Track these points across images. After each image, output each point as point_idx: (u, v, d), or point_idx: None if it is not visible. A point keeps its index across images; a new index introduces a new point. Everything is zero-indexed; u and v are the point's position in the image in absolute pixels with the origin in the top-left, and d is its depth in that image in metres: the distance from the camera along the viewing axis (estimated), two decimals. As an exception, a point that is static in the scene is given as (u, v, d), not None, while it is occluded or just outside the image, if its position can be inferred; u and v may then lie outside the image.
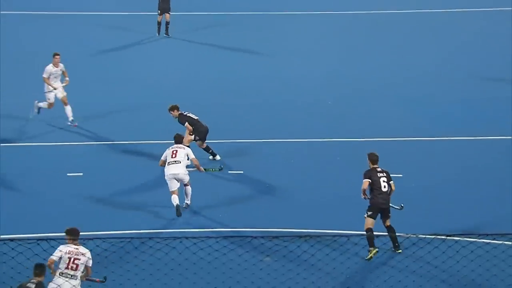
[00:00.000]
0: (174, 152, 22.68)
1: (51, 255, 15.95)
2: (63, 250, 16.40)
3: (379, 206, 19.52)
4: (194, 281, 17.94)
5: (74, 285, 16.09)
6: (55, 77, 26.95)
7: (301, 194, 23.82)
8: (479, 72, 34.32)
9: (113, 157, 26.90)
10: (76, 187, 23.97)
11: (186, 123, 24.96)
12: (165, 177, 22.45)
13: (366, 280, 19.55)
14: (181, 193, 22.74)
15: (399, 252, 19.82)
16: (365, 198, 19.53)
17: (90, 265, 16.38)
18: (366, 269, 19.85)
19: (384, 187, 19.73)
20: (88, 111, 28.95)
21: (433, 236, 19.22)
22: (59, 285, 16.15)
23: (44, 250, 16.48)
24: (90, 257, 16.36)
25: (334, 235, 19.46)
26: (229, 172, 25.17)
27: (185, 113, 25.34)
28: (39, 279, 16.50)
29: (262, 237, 19.40)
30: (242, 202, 23.62)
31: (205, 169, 23.23)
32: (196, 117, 25.43)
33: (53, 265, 16.35)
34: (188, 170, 22.66)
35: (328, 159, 26.30)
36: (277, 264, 18.83)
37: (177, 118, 25.21)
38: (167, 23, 36.68)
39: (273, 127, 29.24)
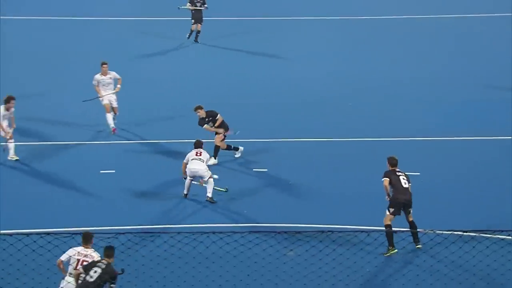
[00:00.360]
0: (199, 152, 23.49)
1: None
2: (70, 254, 16.85)
3: (401, 201, 19.91)
4: (221, 274, 18.32)
5: None
6: (104, 85, 27.57)
7: (323, 191, 24.15)
8: (481, 74, 34.62)
9: (143, 155, 27.29)
10: (108, 183, 24.43)
11: (219, 115, 25.58)
12: (187, 173, 23.19)
13: (385, 274, 19.80)
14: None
15: (419, 247, 20.21)
16: (388, 196, 19.90)
17: None
18: (385, 263, 20.14)
19: (405, 183, 20.11)
20: (122, 111, 29.12)
21: (449, 232, 19.34)
22: (68, 282, 16.52)
23: (79, 244, 17.09)
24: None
25: (355, 231, 19.75)
26: (254, 170, 25.70)
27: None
28: (109, 260, 17.26)
29: (286, 232, 19.85)
30: (267, 198, 24.03)
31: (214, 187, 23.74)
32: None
33: (62, 265, 16.84)
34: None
35: (347, 158, 26.84)
36: (300, 258, 19.09)
37: (203, 117, 25.71)
38: (198, 32, 37.97)
39: (293, 127, 29.71)
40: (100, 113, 28.64)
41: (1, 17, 42.69)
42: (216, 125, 25.79)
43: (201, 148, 23.99)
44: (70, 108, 30.29)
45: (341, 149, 27.98)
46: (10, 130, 25.82)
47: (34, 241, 17.77)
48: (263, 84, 35.45)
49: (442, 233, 19.66)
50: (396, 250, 20.20)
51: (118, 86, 28.19)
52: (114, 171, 26.04)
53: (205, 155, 23.90)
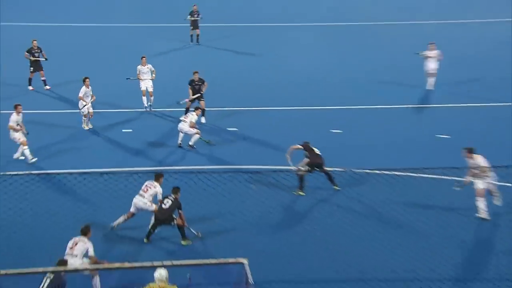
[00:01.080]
0: (185, 116, 27.17)
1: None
2: (146, 183, 20.43)
3: (315, 164, 23.28)
4: (206, 202, 21.66)
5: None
6: (143, 73, 31.11)
7: (276, 144, 27.01)
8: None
9: (155, 122, 30.45)
10: (128, 139, 28.11)
11: (189, 87, 29.73)
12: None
13: (306, 205, 22.68)
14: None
15: (337, 189, 23.49)
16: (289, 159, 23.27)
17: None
18: (309, 198, 23.10)
19: (317, 152, 23.42)
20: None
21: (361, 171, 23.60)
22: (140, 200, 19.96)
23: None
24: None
25: (287, 171, 22.90)
26: (227, 129, 29.42)
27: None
28: (176, 196, 20.34)
29: (250, 172, 23.21)
30: (236, 148, 27.56)
31: (200, 137, 27.09)
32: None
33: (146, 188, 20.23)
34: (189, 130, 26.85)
35: (297, 122, 30.01)
36: (260, 189, 22.70)
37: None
38: (198, 35, 44.49)
39: (261, 99, 33.81)
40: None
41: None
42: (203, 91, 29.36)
43: (188, 113, 27.55)
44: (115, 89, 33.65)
45: (293, 115, 31.49)
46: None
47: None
48: (247, 69, 39.87)
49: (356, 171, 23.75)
50: (303, 194, 23.19)
51: (153, 75, 31.25)
52: (131, 130, 29.37)
53: (190, 117, 27.11)
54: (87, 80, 28.86)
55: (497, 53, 43.17)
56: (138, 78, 31.29)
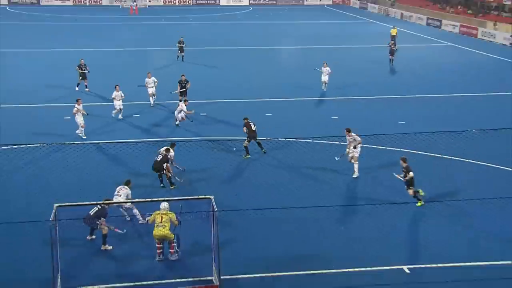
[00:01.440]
0: (179, 105, 26.75)
1: None
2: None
3: (251, 137, 22.71)
4: (196, 160, 21.77)
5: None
6: (149, 83, 30.11)
7: (231, 121, 27.23)
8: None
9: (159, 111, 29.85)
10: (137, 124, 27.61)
11: (178, 84, 29.62)
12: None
13: (251, 168, 22.31)
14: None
15: (265, 152, 23.31)
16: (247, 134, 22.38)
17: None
18: (252, 162, 22.82)
19: (254, 127, 22.79)
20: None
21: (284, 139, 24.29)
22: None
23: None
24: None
25: (238, 140, 23.00)
26: (201, 114, 28.56)
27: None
28: (166, 153, 19.64)
29: (230, 140, 23.84)
30: (211, 127, 27.10)
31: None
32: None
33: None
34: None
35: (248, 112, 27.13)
36: (237, 153, 23.28)
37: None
38: (183, 56, 43.32)
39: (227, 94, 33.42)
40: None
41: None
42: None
43: (181, 102, 26.91)
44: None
45: (242, 105, 31.10)
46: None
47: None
48: (213, 75, 39.12)
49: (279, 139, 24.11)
50: (249, 156, 22.78)
51: (155, 84, 30.21)
52: (138, 115, 28.94)
53: (181, 106, 26.11)
54: (117, 86, 28.38)
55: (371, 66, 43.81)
56: (145, 86, 30.84)
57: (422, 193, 18.55)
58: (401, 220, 18.16)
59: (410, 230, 17.75)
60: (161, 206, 15.66)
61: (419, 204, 18.75)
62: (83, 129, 25.35)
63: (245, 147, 23.21)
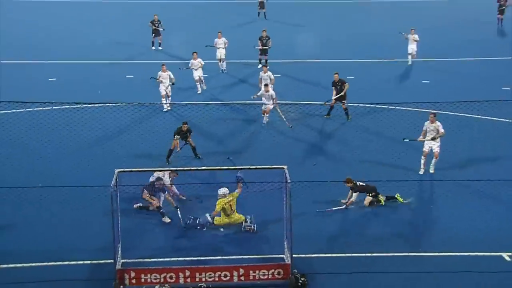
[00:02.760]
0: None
1: None
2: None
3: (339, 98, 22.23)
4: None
5: None
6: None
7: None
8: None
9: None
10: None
11: (259, 42, 28.61)
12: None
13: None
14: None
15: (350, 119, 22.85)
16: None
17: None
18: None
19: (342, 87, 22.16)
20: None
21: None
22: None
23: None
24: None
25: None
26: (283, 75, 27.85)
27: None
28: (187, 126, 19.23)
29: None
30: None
31: None
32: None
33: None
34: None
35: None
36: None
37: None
38: (265, 13, 41.15)
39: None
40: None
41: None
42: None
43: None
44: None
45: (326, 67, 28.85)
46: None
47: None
48: (297, 38, 36.30)
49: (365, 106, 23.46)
50: (329, 116, 22.70)
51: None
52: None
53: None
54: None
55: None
56: (215, 47, 28.40)
57: (400, 199, 16.90)
58: (498, 203, 17.16)
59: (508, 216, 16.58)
60: (220, 192, 15.37)
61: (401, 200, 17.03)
62: (164, 96, 24.26)
63: (331, 106, 22.95)
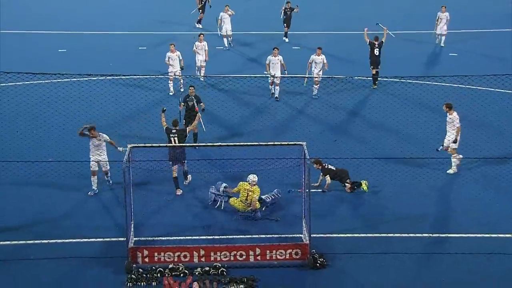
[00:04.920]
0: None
1: None
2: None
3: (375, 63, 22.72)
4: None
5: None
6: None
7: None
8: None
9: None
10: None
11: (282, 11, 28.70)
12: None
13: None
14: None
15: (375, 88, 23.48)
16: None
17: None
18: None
19: (377, 52, 22.76)
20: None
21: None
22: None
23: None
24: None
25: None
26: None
27: None
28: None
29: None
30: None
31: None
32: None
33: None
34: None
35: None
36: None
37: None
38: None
39: None
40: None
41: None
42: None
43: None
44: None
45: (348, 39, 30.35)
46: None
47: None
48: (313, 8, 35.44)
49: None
50: (376, 87, 22.94)
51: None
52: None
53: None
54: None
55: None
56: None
57: (365, 187, 16.56)
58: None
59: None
60: (249, 176, 15.18)
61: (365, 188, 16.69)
62: (171, 82, 23.56)
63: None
